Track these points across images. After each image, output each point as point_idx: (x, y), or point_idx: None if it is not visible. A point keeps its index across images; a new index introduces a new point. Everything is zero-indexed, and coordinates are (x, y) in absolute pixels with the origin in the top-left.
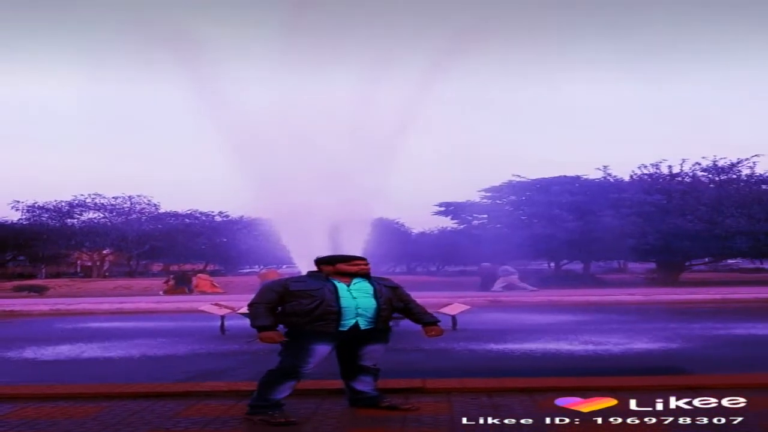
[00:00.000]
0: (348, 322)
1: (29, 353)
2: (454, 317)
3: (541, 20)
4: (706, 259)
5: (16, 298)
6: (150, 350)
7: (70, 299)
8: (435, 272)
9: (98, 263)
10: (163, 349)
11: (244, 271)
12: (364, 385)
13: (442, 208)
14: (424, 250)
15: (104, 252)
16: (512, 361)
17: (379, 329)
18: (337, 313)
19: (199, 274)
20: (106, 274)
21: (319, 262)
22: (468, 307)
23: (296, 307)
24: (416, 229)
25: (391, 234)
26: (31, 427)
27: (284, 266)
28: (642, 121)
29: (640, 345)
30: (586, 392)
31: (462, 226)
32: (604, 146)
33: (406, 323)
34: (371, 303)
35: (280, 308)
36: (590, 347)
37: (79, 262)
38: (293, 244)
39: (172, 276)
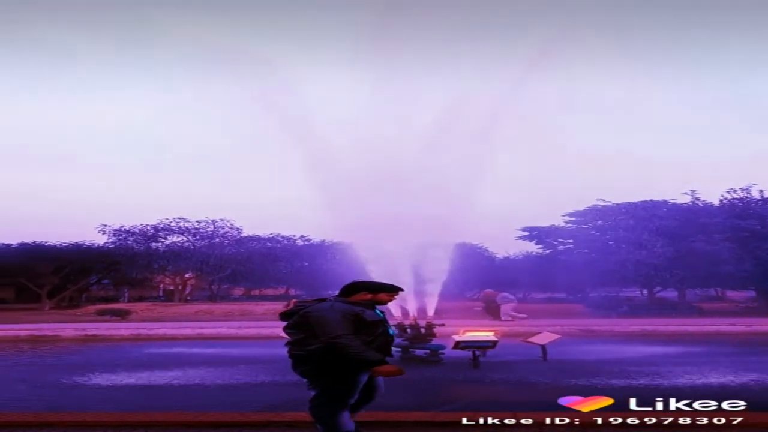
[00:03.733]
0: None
1: (109, 378)
2: (543, 347)
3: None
4: None
5: (98, 321)
6: (230, 377)
7: (151, 323)
8: (521, 299)
9: (180, 287)
10: (242, 376)
11: (324, 295)
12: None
13: (526, 233)
14: (509, 275)
15: (186, 276)
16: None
17: None
18: (392, 342)
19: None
20: (188, 298)
21: (358, 287)
22: (558, 336)
23: (367, 338)
24: (500, 254)
25: (475, 259)
26: None
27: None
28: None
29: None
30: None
31: (547, 252)
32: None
33: (491, 353)
34: (393, 331)
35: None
36: (699, 381)
37: (161, 285)
38: (375, 268)
39: (293, 300)
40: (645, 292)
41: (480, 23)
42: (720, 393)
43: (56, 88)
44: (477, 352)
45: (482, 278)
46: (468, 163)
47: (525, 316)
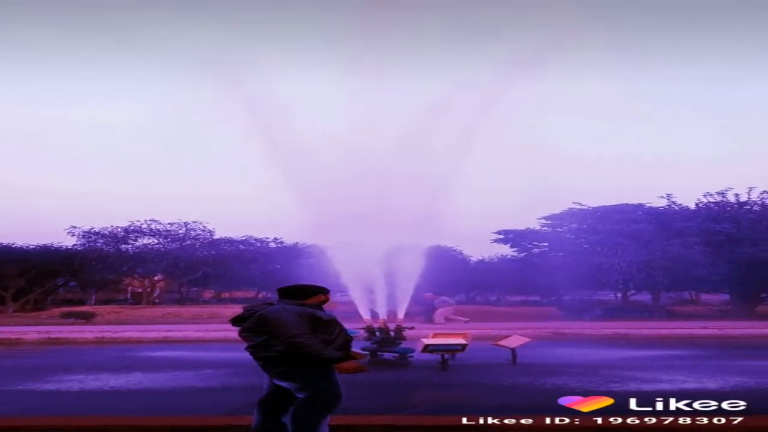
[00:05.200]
0: None
1: (69, 383)
2: (513, 350)
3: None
4: None
5: (63, 324)
6: (193, 381)
7: (116, 327)
8: (495, 302)
9: (149, 290)
10: (207, 380)
11: None
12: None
13: (501, 236)
14: (484, 278)
15: (155, 278)
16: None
17: None
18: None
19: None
20: (156, 300)
21: (311, 290)
22: (528, 339)
23: (328, 337)
24: (475, 257)
25: (449, 262)
26: None
27: (338, 294)
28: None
29: (714, 383)
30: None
31: (522, 255)
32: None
33: (460, 356)
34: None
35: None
36: (668, 386)
37: (129, 288)
38: (347, 271)
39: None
40: (619, 295)
41: (460, 24)
42: (692, 395)
43: (23, 86)
44: (446, 356)
45: (456, 280)
46: (444, 166)
47: (466, 319)
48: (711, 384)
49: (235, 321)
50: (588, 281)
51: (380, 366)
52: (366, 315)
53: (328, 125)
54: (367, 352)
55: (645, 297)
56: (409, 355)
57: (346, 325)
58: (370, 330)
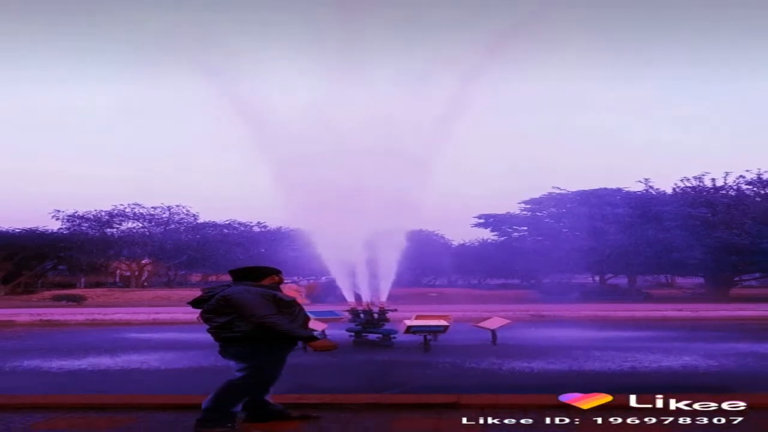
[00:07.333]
0: None
1: (62, 363)
2: (494, 331)
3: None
4: (757, 275)
5: (54, 307)
6: (182, 362)
7: (106, 309)
8: (476, 285)
9: (137, 273)
10: (196, 360)
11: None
12: (269, 397)
13: (482, 220)
14: (465, 262)
15: (143, 262)
16: (552, 378)
17: None
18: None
19: (289, 284)
20: (145, 284)
21: (265, 271)
22: (508, 321)
23: (290, 317)
24: (456, 241)
25: (431, 246)
26: None
27: (323, 278)
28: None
29: (682, 362)
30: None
31: (502, 239)
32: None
33: (443, 337)
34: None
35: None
36: (632, 364)
37: (118, 272)
38: (330, 255)
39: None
40: (597, 278)
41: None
42: (664, 376)
43: (5, 73)
44: (428, 337)
45: (438, 264)
46: (425, 150)
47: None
48: (677, 362)
49: (195, 303)
50: (566, 265)
51: (365, 346)
52: (350, 298)
53: (307, 111)
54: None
55: (622, 280)
56: (393, 336)
57: (331, 308)
58: (354, 312)
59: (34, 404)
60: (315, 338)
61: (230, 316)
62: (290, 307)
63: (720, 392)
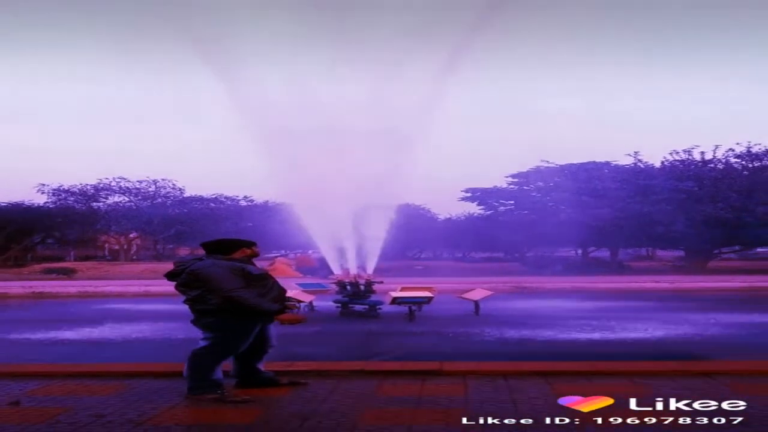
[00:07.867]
0: None
1: (56, 333)
2: (476, 302)
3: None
4: (736, 248)
5: (45, 280)
6: (174, 332)
7: (97, 281)
8: (461, 258)
9: (125, 247)
10: (187, 331)
11: (270, 255)
12: (262, 365)
13: (469, 194)
14: (451, 236)
15: (131, 236)
16: (531, 346)
17: None
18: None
19: (279, 258)
20: (134, 257)
21: (235, 244)
22: (491, 292)
23: (262, 290)
24: (443, 215)
25: (417, 219)
26: (57, 402)
27: (311, 251)
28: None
29: (659, 332)
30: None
31: (488, 213)
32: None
33: (427, 308)
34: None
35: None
36: (609, 334)
37: (107, 245)
38: (317, 229)
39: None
40: (579, 251)
41: None
42: (638, 344)
43: None
44: (413, 307)
45: (424, 238)
46: (411, 124)
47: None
48: (659, 332)
49: (170, 276)
50: (550, 238)
51: (351, 317)
52: (337, 270)
53: (294, 87)
54: (306, 301)
55: (604, 253)
56: (379, 307)
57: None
58: (341, 284)
59: (31, 372)
60: (282, 311)
61: (200, 290)
62: (261, 279)
63: (683, 359)
